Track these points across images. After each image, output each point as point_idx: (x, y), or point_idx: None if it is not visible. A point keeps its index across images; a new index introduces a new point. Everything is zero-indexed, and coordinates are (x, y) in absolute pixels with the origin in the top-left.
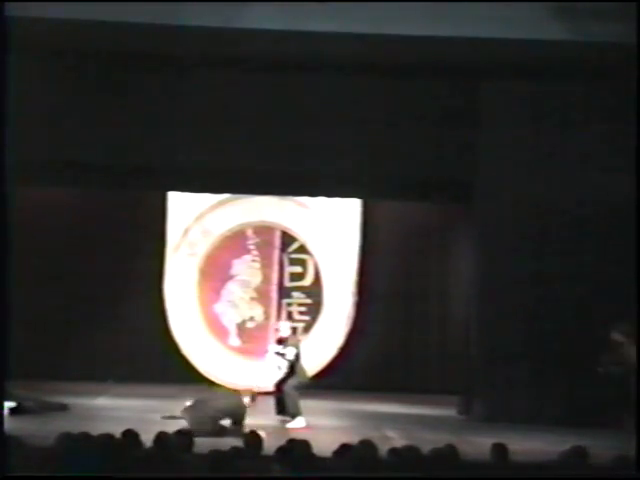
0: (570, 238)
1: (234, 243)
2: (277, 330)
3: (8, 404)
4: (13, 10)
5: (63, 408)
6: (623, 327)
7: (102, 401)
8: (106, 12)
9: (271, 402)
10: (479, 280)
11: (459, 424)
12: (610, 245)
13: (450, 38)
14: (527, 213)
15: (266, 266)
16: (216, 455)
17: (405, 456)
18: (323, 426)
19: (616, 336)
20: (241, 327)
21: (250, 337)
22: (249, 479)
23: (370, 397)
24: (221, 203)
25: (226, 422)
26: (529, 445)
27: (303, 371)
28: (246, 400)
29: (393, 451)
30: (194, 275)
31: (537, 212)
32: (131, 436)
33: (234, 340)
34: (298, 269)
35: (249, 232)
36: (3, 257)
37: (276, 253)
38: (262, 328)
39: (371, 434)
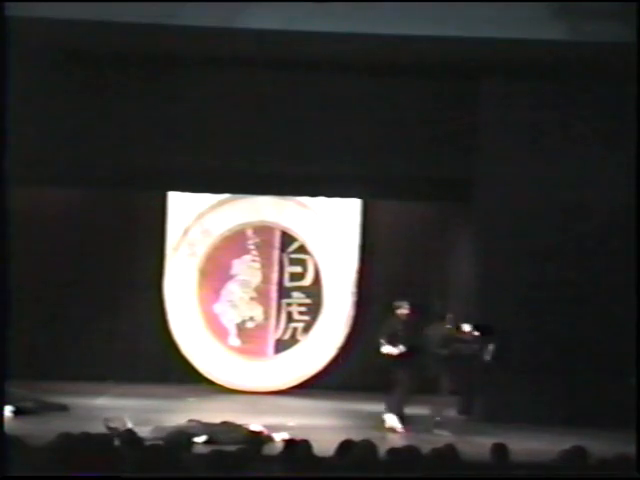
0: (569, 237)
1: (234, 243)
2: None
3: (9, 407)
4: (13, 10)
5: (63, 408)
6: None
7: (102, 401)
8: (106, 12)
9: (278, 402)
10: (479, 279)
11: (459, 424)
12: (610, 244)
13: (450, 38)
14: (526, 212)
15: (266, 266)
16: (216, 455)
17: (405, 456)
18: (323, 426)
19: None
20: (241, 327)
21: (250, 337)
22: (249, 479)
23: (370, 397)
24: (221, 203)
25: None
26: (529, 445)
27: None
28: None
29: (393, 451)
30: (194, 275)
31: (536, 211)
32: (131, 436)
33: (234, 340)
34: (298, 269)
35: (249, 232)
36: (3, 257)
37: (276, 253)
38: (262, 328)
39: (371, 434)
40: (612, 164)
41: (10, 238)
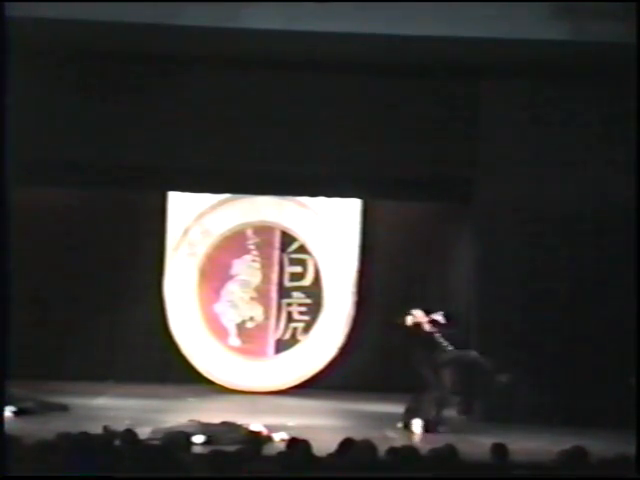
0: (570, 237)
1: (234, 243)
2: None
3: (10, 408)
4: (13, 10)
5: (63, 408)
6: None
7: (102, 401)
8: (106, 12)
9: (278, 402)
10: (479, 280)
11: (459, 424)
12: (609, 243)
13: (450, 38)
14: (527, 212)
15: (266, 266)
16: (216, 455)
17: (405, 456)
18: (323, 426)
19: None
20: (241, 327)
21: (250, 337)
22: (249, 479)
23: (370, 397)
24: (221, 203)
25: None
26: (529, 445)
27: None
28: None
29: (393, 451)
30: (194, 275)
31: (537, 211)
32: (131, 436)
33: (234, 340)
34: (298, 269)
35: (249, 232)
36: (3, 257)
37: (276, 253)
38: (262, 328)
39: (371, 434)
40: (613, 164)
41: (10, 238)
